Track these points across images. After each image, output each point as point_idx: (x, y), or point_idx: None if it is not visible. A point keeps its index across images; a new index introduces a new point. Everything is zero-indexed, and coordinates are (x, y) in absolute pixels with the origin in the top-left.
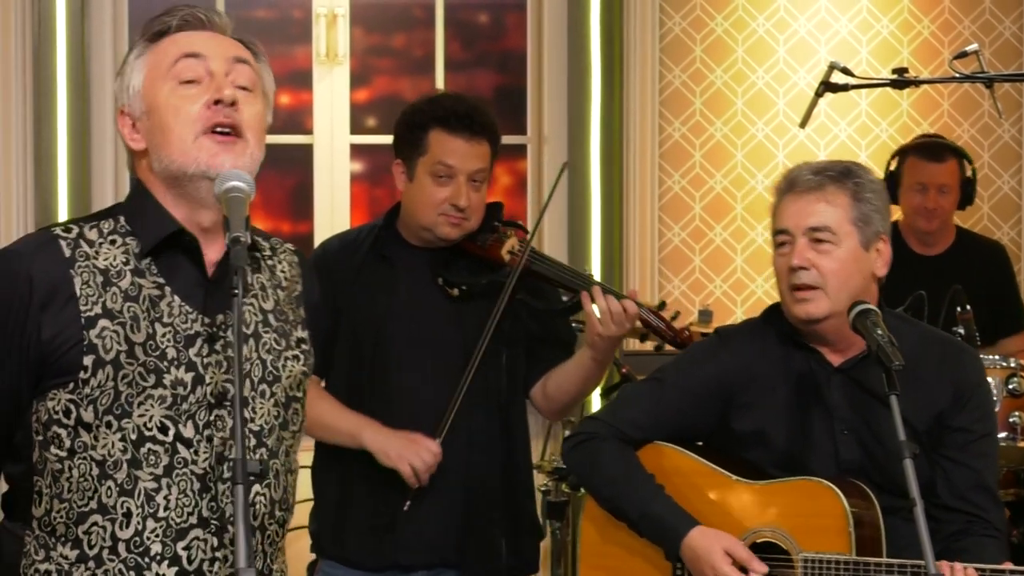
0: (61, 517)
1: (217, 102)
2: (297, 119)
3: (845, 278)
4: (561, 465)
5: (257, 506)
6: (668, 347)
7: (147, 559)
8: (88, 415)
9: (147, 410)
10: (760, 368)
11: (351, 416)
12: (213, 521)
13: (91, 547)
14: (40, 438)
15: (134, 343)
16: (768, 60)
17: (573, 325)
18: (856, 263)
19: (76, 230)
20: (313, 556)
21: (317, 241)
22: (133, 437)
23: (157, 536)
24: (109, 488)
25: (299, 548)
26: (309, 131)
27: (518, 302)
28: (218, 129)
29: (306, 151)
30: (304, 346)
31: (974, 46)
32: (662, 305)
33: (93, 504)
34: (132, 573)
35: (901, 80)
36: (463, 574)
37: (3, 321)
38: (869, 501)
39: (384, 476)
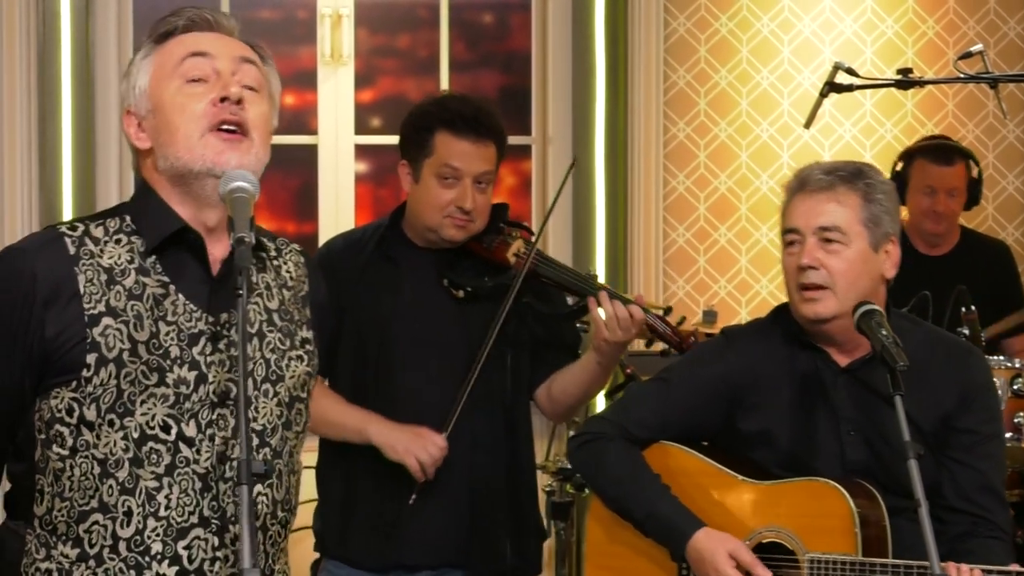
0: (62, 516)
1: (223, 99)
2: (302, 119)
3: (854, 279)
4: (565, 466)
5: (259, 506)
6: (674, 352)
7: (147, 558)
8: (90, 413)
9: (149, 409)
10: (766, 368)
11: (357, 412)
12: (214, 521)
13: (92, 546)
14: (42, 436)
15: (137, 341)
16: (773, 60)
17: (578, 326)
18: (865, 264)
19: (82, 228)
20: (317, 555)
21: (322, 241)
22: (135, 436)
23: (158, 535)
24: (110, 487)
25: (304, 549)
26: (314, 131)
27: (523, 305)
28: (224, 127)
29: (311, 151)
30: (309, 346)
31: (979, 46)
32: (668, 310)
33: (94, 503)
34: (132, 572)
35: (906, 80)
36: (468, 574)
37: (7, 319)
38: (875, 502)
39: (389, 472)
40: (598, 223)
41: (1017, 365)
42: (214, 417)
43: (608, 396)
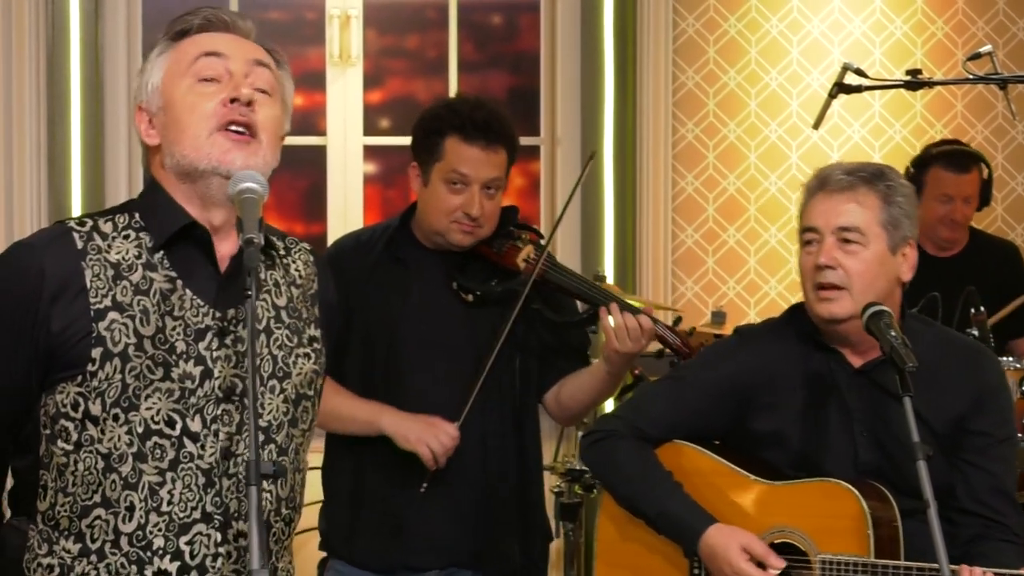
0: (65, 511)
1: (234, 100)
2: (310, 120)
3: (871, 280)
4: (574, 467)
5: (264, 503)
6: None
7: (149, 553)
8: (95, 408)
9: (154, 403)
10: (779, 368)
11: (367, 404)
12: (217, 516)
13: (93, 541)
14: (47, 432)
15: (143, 336)
16: (782, 61)
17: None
18: (882, 266)
19: (90, 223)
20: (323, 555)
21: (330, 242)
22: (140, 430)
23: (160, 530)
24: (113, 481)
25: (311, 549)
26: (322, 132)
27: (533, 311)
28: (232, 127)
29: (319, 152)
30: (316, 344)
31: (988, 47)
32: (678, 321)
33: (97, 498)
34: (134, 567)
35: (915, 81)
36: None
37: (15, 314)
38: (887, 503)
39: (398, 465)
40: (607, 224)
41: None
42: (219, 413)
43: (617, 398)
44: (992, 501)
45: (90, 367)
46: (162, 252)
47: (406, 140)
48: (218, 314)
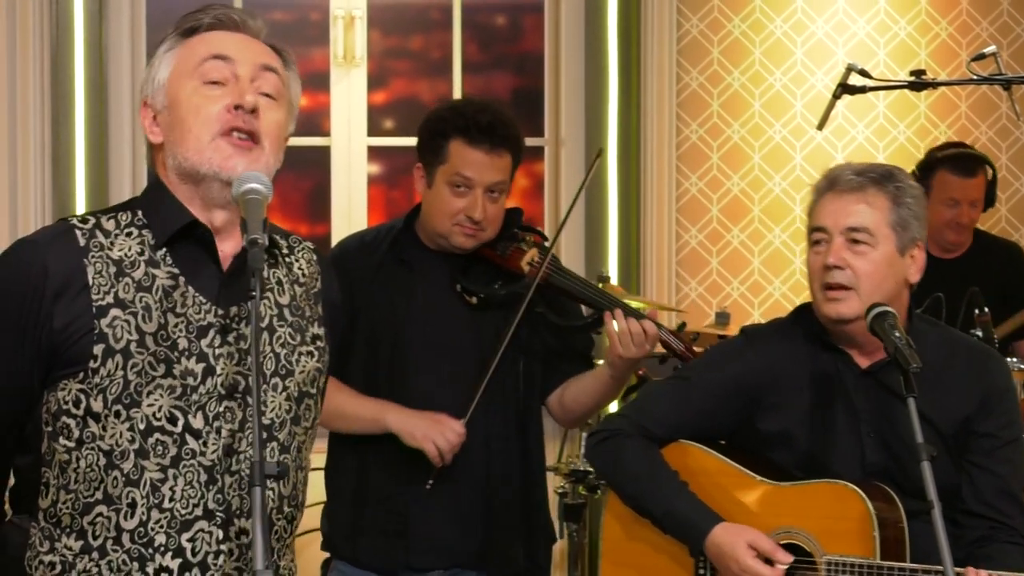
0: (67, 508)
1: (238, 107)
2: (314, 121)
3: (879, 281)
4: (578, 467)
5: (267, 501)
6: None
7: (151, 550)
8: (97, 405)
9: (156, 400)
10: (786, 369)
11: (372, 402)
12: (219, 514)
13: (95, 538)
14: (49, 429)
15: (145, 332)
16: (785, 62)
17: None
18: (891, 267)
19: (93, 221)
20: (326, 555)
21: (334, 243)
22: (141, 427)
23: (161, 527)
24: (115, 478)
25: (315, 550)
26: (326, 133)
27: (536, 314)
28: (235, 134)
29: (323, 153)
30: (320, 342)
31: (992, 48)
32: (682, 326)
33: (99, 495)
34: (135, 564)
35: (919, 82)
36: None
37: (18, 311)
38: (893, 504)
39: (402, 463)
40: (611, 224)
41: None
42: (221, 410)
43: (621, 400)
44: (998, 503)
45: (92, 364)
46: (164, 249)
47: (410, 141)
48: (220, 311)
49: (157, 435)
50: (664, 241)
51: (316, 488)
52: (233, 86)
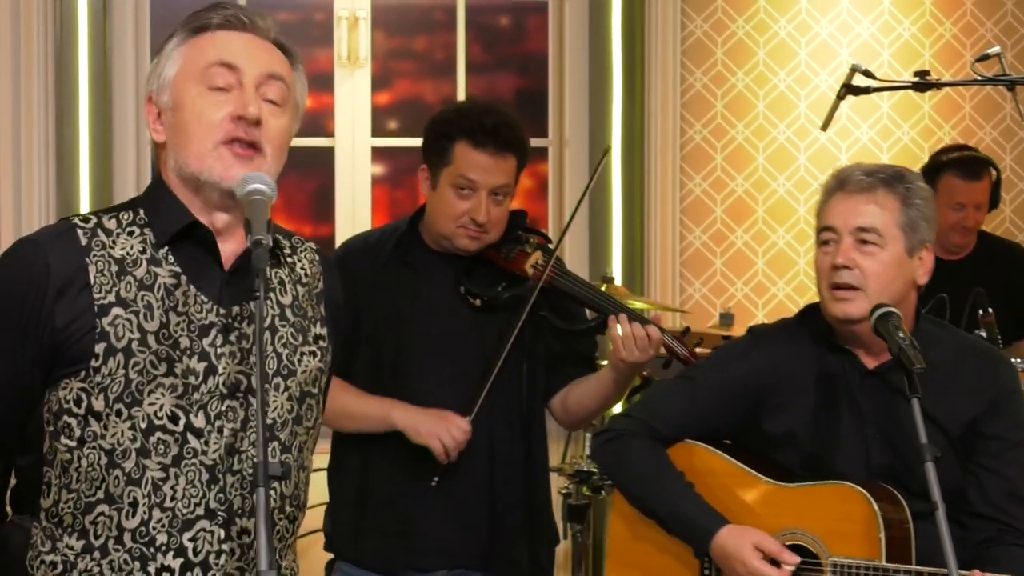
0: (69, 508)
1: (241, 117)
2: (319, 122)
3: (887, 282)
4: (582, 468)
5: (257, 511)
6: None
7: (152, 549)
8: (99, 404)
9: (157, 399)
10: (792, 369)
11: (377, 400)
12: (220, 513)
13: (97, 537)
14: (51, 428)
15: (147, 331)
16: (790, 63)
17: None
18: (899, 268)
19: (94, 220)
20: (330, 556)
21: (338, 243)
22: (143, 426)
23: (163, 526)
24: (117, 477)
25: (318, 551)
26: (331, 134)
27: (540, 318)
28: (237, 144)
29: (327, 154)
30: (322, 342)
31: (996, 48)
32: (686, 331)
33: (100, 494)
34: (137, 563)
35: (923, 83)
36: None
37: (19, 310)
38: (899, 506)
39: (403, 469)
40: (615, 225)
41: None
42: (223, 409)
43: (626, 401)
44: (1005, 505)
45: (93, 363)
46: (166, 248)
47: (414, 141)
48: (222, 311)
49: (158, 434)
50: (668, 242)
51: (319, 489)
52: (237, 94)
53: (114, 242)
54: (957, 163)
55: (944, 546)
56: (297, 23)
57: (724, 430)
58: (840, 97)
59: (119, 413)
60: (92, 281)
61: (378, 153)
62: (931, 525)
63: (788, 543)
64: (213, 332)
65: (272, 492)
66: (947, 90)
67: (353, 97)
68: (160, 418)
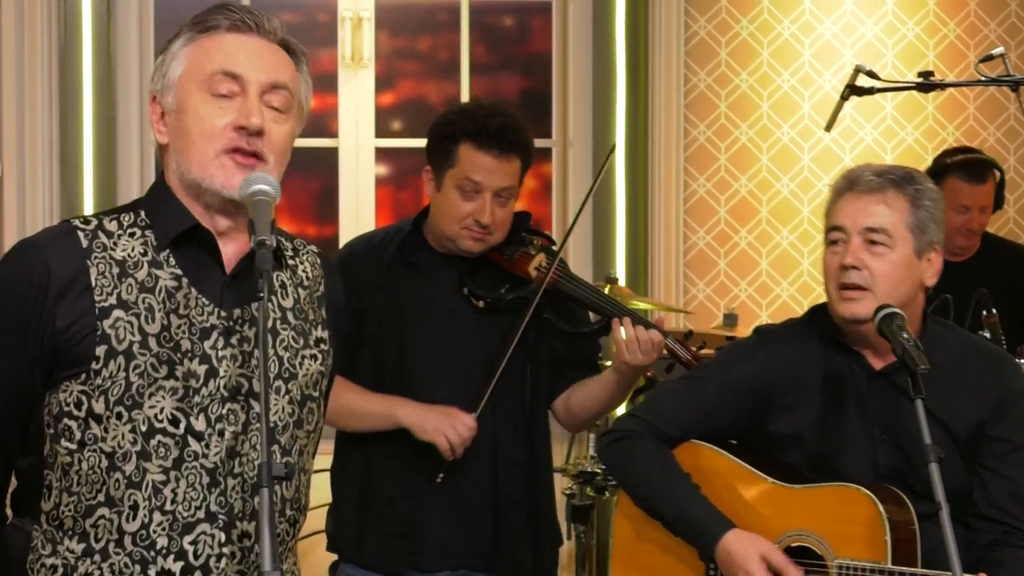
0: (69, 510)
1: (243, 127)
2: (322, 122)
3: (895, 283)
4: (586, 469)
5: (261, 511)
6: None
7: (152, 552)
8: (99, 406)
9: (158, 402)
10: (798, 369)
11: (381, 397)
12: (221, 516)
13: (97, 540)
14: (51, 431)
15: (148, 334)
16: (793, 63)
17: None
18: (907, 269)
19: (95, 222)
20: (334, 556)
21: (342, 244)
22: (143, 429)
23: (163, 529)
24: (117, 480)
25: (321, 552)
26: (334, 134)
27: (544, 320)
28: (239, 153)
29: (331, 154)
30: (323, 345)
31: (1000, 49)
32: (689, 334)
33: (101, 497)
34: (137, 567)
35: (927, 83)
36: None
37: (20, 311)
38: (905, 508)
39: (406, 470)
40: (618, 226)
41: None
42: (224, 412)
43: (630, 402)
44: (1011, 507)
45: (94, 365)
46: (168, 250)
47: (418, 142)
48: (224, 313)
49: (159, 437)
50: (672, 242)
51: (323, 490)
52: (241, 102)
53: (115, 244)
54: (961, 166)
55: (948, 547)
56: (301, 24)
57: (730, 430)
58: (844, 98)
59: (119, 416)
60: (93, 283)
61: (382, 154)
62: (937, 526)
63: (793, 544)
64: (214, 335)
65: (273, 495)
66: (951, 91)
67: (357, 98)
68: (160, 421)
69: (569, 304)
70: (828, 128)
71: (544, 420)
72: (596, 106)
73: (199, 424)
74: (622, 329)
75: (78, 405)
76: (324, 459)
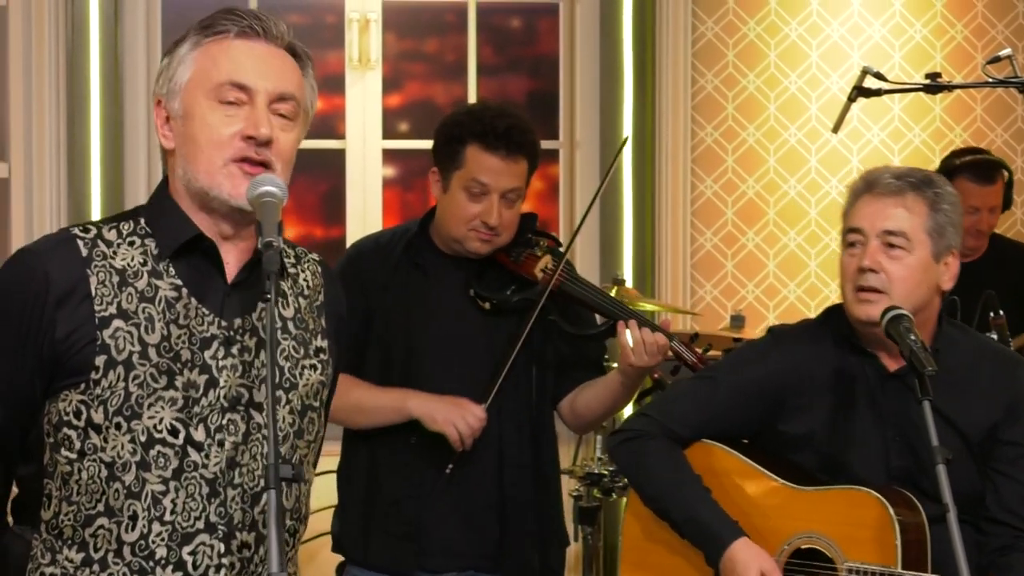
0: (69, 520)
1: (252, 137)
2: (330, 124)
3: (912, 286)
4: (593, 470)
5: (267, 513)
6: None
7: (151, 563)
8: (98, 416)
9: (157, 412)
10: (811, 370)
11: (391, 391)
12: (220, 527)
13: (96, 550)
14: (51, 440)
15: (148, 344)
16: (801, 65)
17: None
18: (925, 273)
19: (94, 231)
20: (341, 558)
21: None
22: (143, 439)
23: (163, 540)
24: (116, 490)
25: (327, 554)
26: (342, 136)
27: (549, 322)
28: (247, 162)
29: (339, 156)
30: (323, 355)
31: (1007, 51)
32: (695, 336)
33: (100, 507)
34: None
35: (934, 85)
36: None
37: (19, 319)
38: (916, 511)
39: (412, 471)
40: (625, 227)
41: None
42: (224, 422)
43: (636, 403)
44: (1021, 511)
45: (93, 375)
46: (168, 260)
47: (425, 144)
48: (224, 323)
49: (158, 447)
50: (679, 244)
51: (328, 491)
52: (249, 111)
53: (115, 253)
54: (970, 167)
55: (955, 550)
56: (308, 25)
57: (742, 431)
58: (851, 99)
59: (119, 426)
60: (93, 292)
61: (389, 155)
62: (947, 529)
63: (803, 547)
64: (215, 345)
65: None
66: (958, 92)
67: (364, 99)
68: (160, 431)
69: (575, 306)
70: (835, 130)
71: (550, 422)
72: (603, 107)
73: (199, 434)
74: (627, 331)
75: (77, 415)
76: (329, 461)
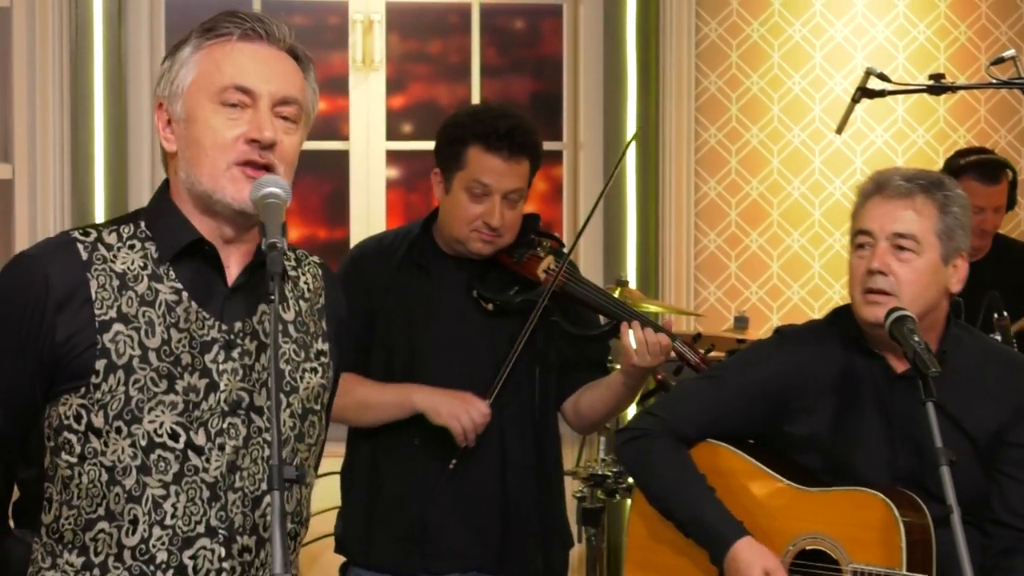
0: (69, 524)
1: (255, 140)
2: (333, 125)
3: (921, 289)
4: (596, 471)
5: (268, 516)
6: None
7: (152, 567)
8: (98, 420)
9: (158, 416)
10: (816, 372)
11: (395, 386)
12: (221, 531)
13: (97, 554)
14: (51, 444)
15: (148, 348)
16: (804, 66)
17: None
18: (934, 275)
19: (94, 234)
20: (343, 559)
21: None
22: (143, 443)
23: (163, 544)
24: (117, 494)
25: (330, 555)
26: (345, 137)
27: (552, 323)
28: (250, 166)
29: (342, 157)
30: (324, 359)
31: (1011, 51)
32: (697, 337)
33: (100, 511)
34: None
35: (938, 86)
36: None
37: (19, 323)
38: (921, 513)
39: (415, 472)
40: (629, 229)
41: None
42: (225, 426)
43: (639, 403)
44: None
45: (94, 379)
46: (168, 263)
47: (429, 145)
48: (224, 327)
49: (159, 451)
50: (682, 245)
51: (331, 493)
52: (252, 114)
53: (115, 257)
54: (975, 166)
55: (959, 551)
56: (312, 27)
57: (747, 431)
58: (855, 100)
59: (119, 430)
60: (93, 296)
61: (392, 156)
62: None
63: (808, 548)
64: (215, 348)
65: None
66: (962, 93)
67: (368, 100)
68: (160, 435)
69: (577, 307)
70: (839, 131)
71: (553, 423)
72: (607, 109)
73: (199, 438)
74: (630, 332)
75: (78, 419)
76: (332, 462)
